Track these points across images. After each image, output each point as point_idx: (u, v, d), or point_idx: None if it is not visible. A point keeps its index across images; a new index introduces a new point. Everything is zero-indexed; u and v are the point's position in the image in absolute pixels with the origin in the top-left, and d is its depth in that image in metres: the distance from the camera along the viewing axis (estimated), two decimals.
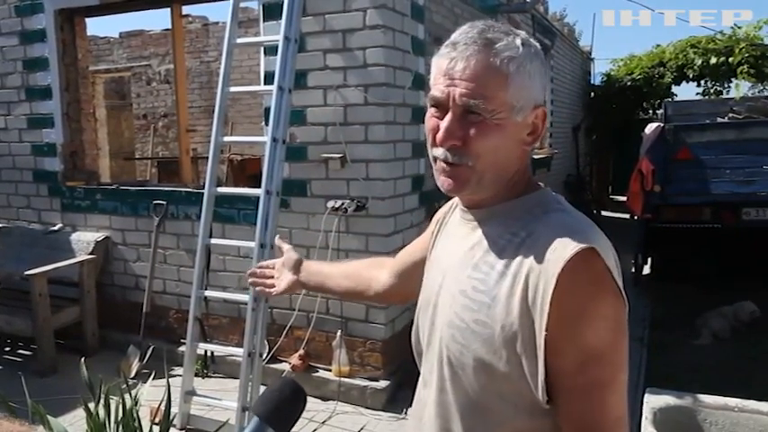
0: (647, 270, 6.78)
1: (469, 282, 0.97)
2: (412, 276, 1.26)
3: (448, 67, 0.94)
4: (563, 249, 0.87)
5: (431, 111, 0.98)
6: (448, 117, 0.94)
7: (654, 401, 2.30)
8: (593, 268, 0.88)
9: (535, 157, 7.00)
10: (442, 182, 0.98)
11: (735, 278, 6.05)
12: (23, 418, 2.14)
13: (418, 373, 1.14)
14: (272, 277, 1.56)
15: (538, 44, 1.00)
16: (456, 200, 1.11)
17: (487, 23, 0.96)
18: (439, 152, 0.97)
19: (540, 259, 0.89)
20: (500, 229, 0.98)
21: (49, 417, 2.11)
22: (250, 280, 1.61)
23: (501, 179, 0.98)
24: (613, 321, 0.88)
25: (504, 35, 0.95)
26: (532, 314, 0.88)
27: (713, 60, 10.56)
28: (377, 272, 1.42)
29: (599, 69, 14.66)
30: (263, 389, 3.29)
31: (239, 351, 3.27)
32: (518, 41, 0.95)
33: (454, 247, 1.05)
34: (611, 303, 0.88)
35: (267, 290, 1.56)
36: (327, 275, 1.52)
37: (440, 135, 0.95)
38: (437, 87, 0.96)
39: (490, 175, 0.96)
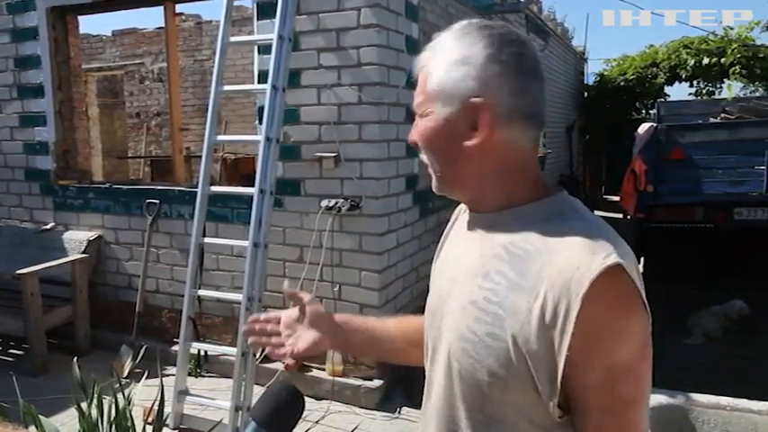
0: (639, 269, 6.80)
1: (481, 292, 0.91)
2: None
3: None
4: (587, 267, 0.81)
5: None
6: None
7: None
8: (621, 286, 0.82)
9: None
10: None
11: (727, 278, 6.08)
12: (15, 418, 2.13)
13: (416, 374, 1.11)
14: (279, 335, 1.19)
15: (501, 30, 0.92)
16: (463, 204, 1.07)
17: (461, 22, 0.94)
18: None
19: (561, 276, 0.83)
20: (512, 237, 0.91)
21: (40, 417, 2.10)
22: (250, 340, 1.22)
23: (465, 179, 0.95)
24: (641, 337, 0.84)
25: (452, 28, 0.93)
26: (551, 334, 0.82)
27: (705, 61, 10.63)
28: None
29: (592, 69, 14.72)
30: (257, 388, 3.29)
31: (233, 350, 3.26)
32: (451, 32, 0.93)
33: (462, 254, 1.00)
34: (639, 320, 0.84)
35: (280, 350, 1.18)
36: (380, 332, 1.23)
37: None
38: None
39: (446, 173, 0.96)
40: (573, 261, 0.83)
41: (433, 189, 1.00)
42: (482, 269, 0.93)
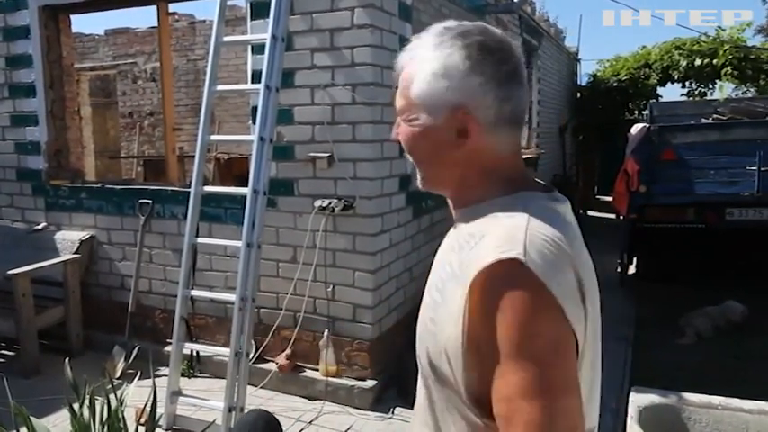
0: (632, 270, 6.84)
1: (434, 281, 0.97)
2: None
3: None
4: (483, 258, 0.82)
5: None
6: None
7: (639, 400, 2.32)
8: (513, 280, 0.80)
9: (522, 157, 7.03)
10: None
11: (719, 278, 6.12)
12: (6, 419, 2.12)
13: (409, 375, 1.13)
14: None
15: (479, 38, 0.91)
16: None
17: (444, 24, 0.94)
18: None
19: (471, 266, 0.84)
20: (465, 230, 0.94)
21: (32, 418, 2.09)
22: None
23: (448, 181, 0.98)
24: (546, 339, 0.79)
25: (429, 33, 0.94)
26: (460, 322, 0.84)
27: (698, 62, 10.69)
28: None
29: (585, 70, 14.76)
30: (250, 389, 3.29)
31: (226, 351, 3.25)
32: (429, 38, 0.93)
33: (440, 249, 1.05)
34: (535, 319, 0.79)
35: None
36: None
37: None
38: None
39: (431, 175, 0.99)
40: (482, 252, 0.85)
41: (418, 185, 1.03)
42: (442, 260, 0.98)
